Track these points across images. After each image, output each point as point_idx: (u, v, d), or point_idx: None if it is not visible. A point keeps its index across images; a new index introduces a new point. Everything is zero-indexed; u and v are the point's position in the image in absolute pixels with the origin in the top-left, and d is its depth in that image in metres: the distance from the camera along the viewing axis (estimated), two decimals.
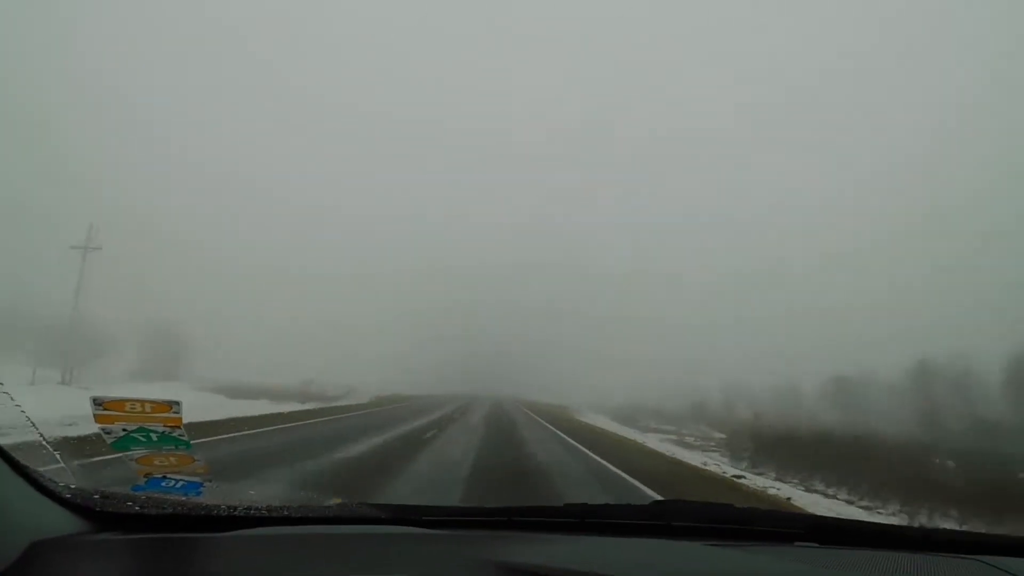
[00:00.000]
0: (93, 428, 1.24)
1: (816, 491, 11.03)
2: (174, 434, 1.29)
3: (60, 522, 1.09)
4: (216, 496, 1.32)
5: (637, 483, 7.52)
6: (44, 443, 1.26)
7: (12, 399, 1.27)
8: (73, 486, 1.16)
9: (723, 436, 24.36)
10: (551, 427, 19.21)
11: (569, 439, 14.53)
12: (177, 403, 1.28)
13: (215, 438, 8.65)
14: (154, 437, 1.28)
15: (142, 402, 1.27)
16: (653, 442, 17.41)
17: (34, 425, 1.25)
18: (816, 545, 1.32)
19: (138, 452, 1.29)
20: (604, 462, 9.75)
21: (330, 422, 13.41)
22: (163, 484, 1.30)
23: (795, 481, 12.00)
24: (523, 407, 39.47)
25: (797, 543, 1.32)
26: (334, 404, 21.26)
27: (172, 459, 1.31)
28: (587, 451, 11.61)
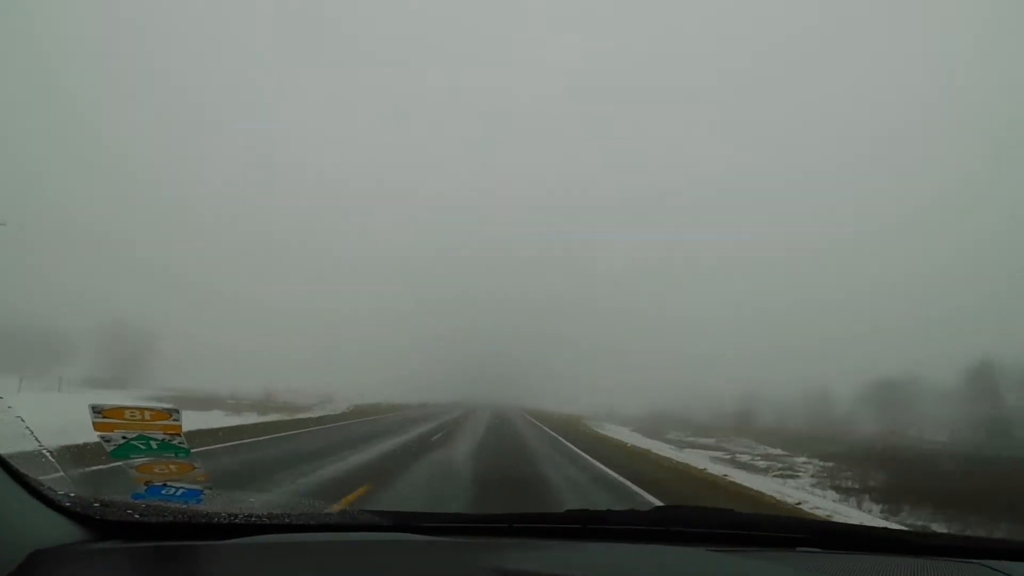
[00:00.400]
0: None
1: None
2: (174, 442, 1.56)
3: (60, 531, 1.31)
4: (217, 503, 1.58)
5: None
6: (43, 451, 1.53)
7: (9, 407, 1.54)
8: (73, 494, 1.39)
9: (783, 452, 24.58)
10: (570, 444, 18.21)
11: (607, 469, 12.13)
12: (176, 410, 1.55)
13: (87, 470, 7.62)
14: (154, 445, 1.55)
15: (141, 409, 1.54)
16: (706, 463, 15.96)
17: (33, 434, 1.52)
18: (819, 550, 1.59)
19: (138, 460, 1.56)
20: None
21: (257, 445, 11.78)
22: (163, 492, 1.57)
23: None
24: (531, 417, 39.93)
25: (800, 548, 1.60)
26: (298, 417, 21.52)
27: (172, 467, 1.58)
28: (651, 497, 9.26)
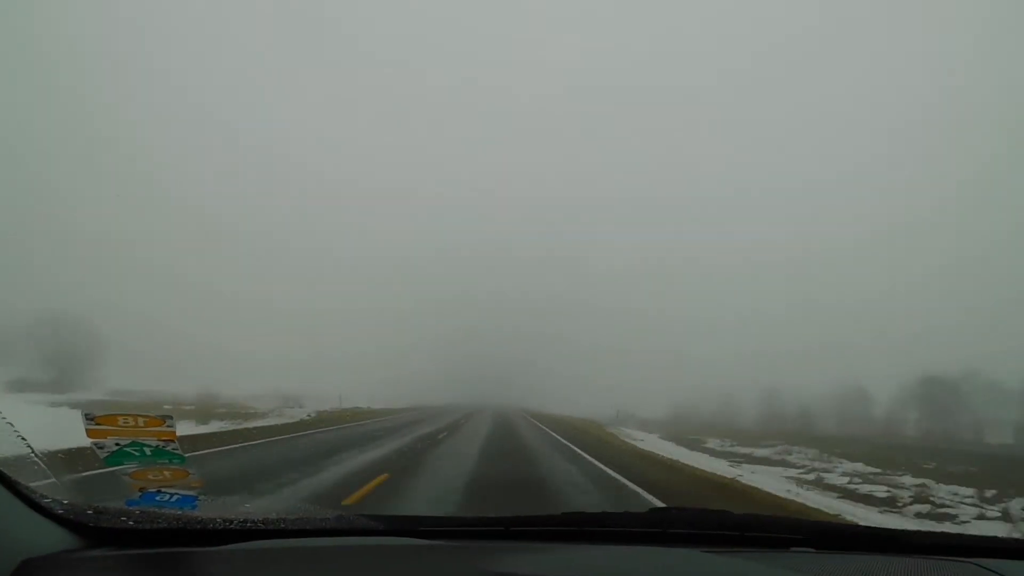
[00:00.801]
0: None
1: None
2: (168, 448, 1.98)
3: (53, 538, 1.65)
4: (212, 509, 1.99)
5: None
6: (36, 458, 1.94)
7: (1, 415, 1.94)
8: (66, 501, 1.75)
9: (872, 468, 23.02)
10: (625, 480, 13.85)
11: None
12: (170, 417, 1.96)
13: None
14: (147, 451, 1.97)
15: (135, 416, 1.95)
16: (809, 493, 14.57)
17: (25, 440, 1.92)
18: (812, 551, 2.02)
19: (131, 466, 1.97)
20: None
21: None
22: (158, 498, 1.99)
23: None
24: (540, 424, 40.20)
25: (793, 549, 2.02)
26: (235, 428, 21.69)
27: (166, 473, 2.00)
28: None
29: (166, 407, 29.05)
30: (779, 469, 21.95)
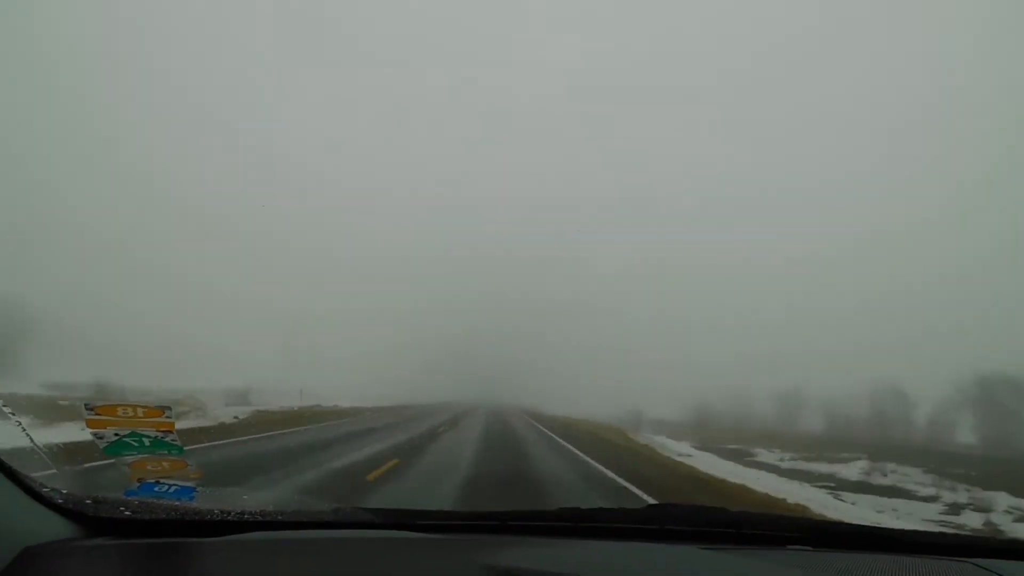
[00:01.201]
0: None
1: None
2: (167, 439, 2.60)
3: (53, 527, 2.13)
4: (209, 501, 2.59)
5: None
6: (37, 449, 2.54)
7: (4, 406, 2.54)
8: (65, 491, 2.26)
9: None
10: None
11: None
12: (169, 408, 2.58)
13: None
14: (147, 442, 2.59)
15: (134, 407, 2.58)
16: None
17: (26, 431, 2.53)
18: (810, 548, 2.63)
19: (131, 457, 2.59)
20: None
21: None
22: (156, 489, 2.62)
23: None
24: (546, 429, 40.86)
25: (790, 546, 2.64)
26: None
27: (165, 464, 2.63)
28: None
29: (62, 403, 29.68)
30: (902, 502, 20.11)
